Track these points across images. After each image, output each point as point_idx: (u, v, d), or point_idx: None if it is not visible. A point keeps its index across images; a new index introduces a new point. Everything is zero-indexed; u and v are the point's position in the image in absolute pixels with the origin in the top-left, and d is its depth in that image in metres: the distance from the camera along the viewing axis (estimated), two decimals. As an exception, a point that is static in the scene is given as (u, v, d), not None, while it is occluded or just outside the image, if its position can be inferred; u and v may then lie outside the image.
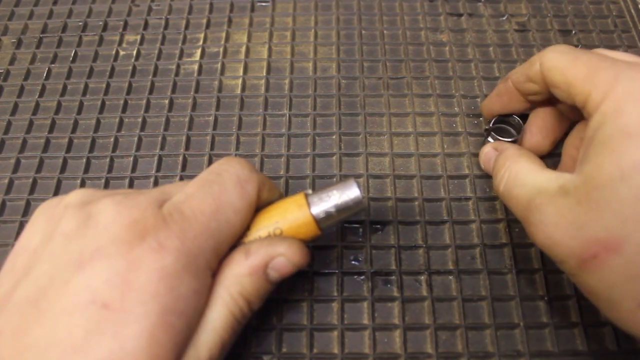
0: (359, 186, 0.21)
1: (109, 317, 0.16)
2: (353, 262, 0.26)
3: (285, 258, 0.20)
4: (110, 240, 0.18)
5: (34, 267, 0.18)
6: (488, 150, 0.27)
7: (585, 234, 0.18)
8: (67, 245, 0.18)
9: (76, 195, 0.20)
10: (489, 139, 0.28)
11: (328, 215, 0.21)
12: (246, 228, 0.21)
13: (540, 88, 0.24)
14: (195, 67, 0.34)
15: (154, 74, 0.34)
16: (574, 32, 0.35)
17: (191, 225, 0.19)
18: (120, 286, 0.17)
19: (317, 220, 0.21)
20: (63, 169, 0.30)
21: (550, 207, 0.19)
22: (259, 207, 0.22)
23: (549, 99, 0.25)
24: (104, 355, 0.16)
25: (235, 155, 0.30)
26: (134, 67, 0.34)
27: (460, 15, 0.36)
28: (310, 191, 0.22)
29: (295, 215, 0.21)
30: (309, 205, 0.21)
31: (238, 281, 0.20)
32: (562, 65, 0.21)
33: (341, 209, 0.21)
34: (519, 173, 0.22)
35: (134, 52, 0.35)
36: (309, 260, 0.21)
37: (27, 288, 0.17)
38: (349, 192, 0.21)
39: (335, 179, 0.29)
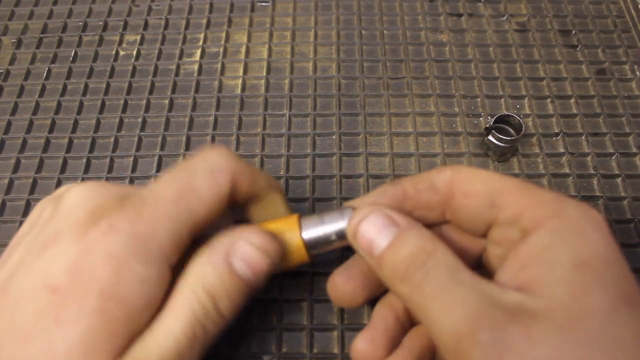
0: None
1: (55, 302, 0.16)
2: (353, 262, 0.26)
3: (249, 245, 0.19)
4: (69, 224, 0.17)
5: (12, 254, 0.18)
6: (376, 220, 0.19)
7: None
8: (40, 231, 0.18)
9: (66, 187, 0.20)
10: (490, 137, 0.28)
11: (320, 242, 0.20)
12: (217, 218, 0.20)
13: (440, 199, 0.20)
14: (195, 67, 0.34)
15: (154, 74, 0.34)
16: (574, 32, 0.35)
17: (147, 209, 0.18)
18: (71, 270, 0.17)
19: (308, 247, 0.20)
20: (63, 169, 0.30)
21: (515, 329, 0.15)
22: (242, 198, 0.21)
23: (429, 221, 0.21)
24: (46, 341, 0.16)
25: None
26: (134, 67, 0.34)
27: (460, 15, 0.36)
28: (307, 217, 0.21)
29: (285, 238, 0.20)
30: (300, 229, 0.20)
31: (200, 272, 0.18)
32: (485, 174, 0.19)
33: (334, 239, 0.20)
34: (454, 267, 0.17)
35: (134, 52, 0.35)
36: (280, 253, 0.20)
37: (1, 275, 0.18)
38: (346, 221, 0.20)
39: (335, 179, 0.29)
